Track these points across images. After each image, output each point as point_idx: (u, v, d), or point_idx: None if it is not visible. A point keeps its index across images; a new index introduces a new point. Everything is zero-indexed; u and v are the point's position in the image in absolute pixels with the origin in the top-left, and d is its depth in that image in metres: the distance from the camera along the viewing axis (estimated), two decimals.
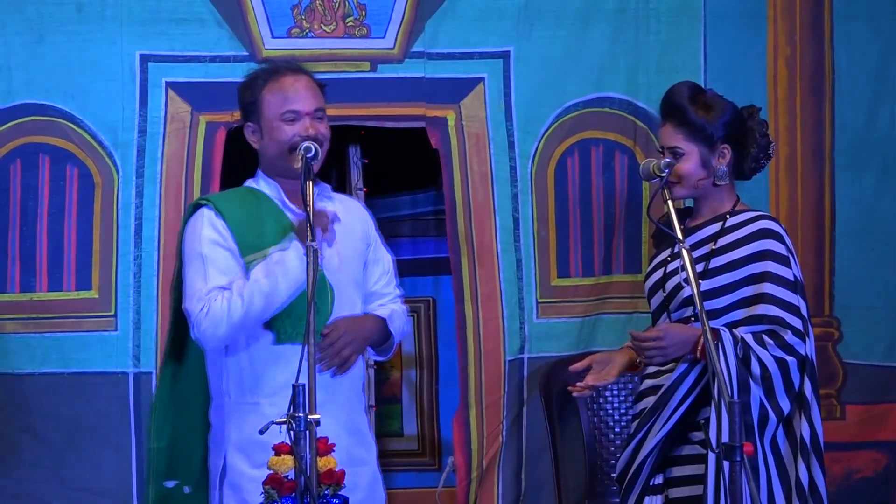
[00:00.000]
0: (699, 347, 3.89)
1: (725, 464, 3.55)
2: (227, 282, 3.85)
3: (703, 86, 5.48)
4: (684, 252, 3.69)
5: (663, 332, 3.97)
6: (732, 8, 5.60)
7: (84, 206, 5.29)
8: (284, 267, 3.80)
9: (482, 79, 5.46)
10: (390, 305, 4.12)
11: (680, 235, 3.78)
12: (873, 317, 5.67)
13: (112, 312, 5.28)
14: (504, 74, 5.47)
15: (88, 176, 5.28)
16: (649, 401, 4.06)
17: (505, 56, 5.47)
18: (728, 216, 4.06)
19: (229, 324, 3.81)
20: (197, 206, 3.99)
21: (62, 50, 5.25)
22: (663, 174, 3.97)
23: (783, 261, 4.00)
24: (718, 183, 4.05)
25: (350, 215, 4.06)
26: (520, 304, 5.50)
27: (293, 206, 3.97)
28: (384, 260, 4.17)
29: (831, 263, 5.68)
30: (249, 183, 4.07)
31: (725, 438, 3.65)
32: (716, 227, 4.07)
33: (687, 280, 3.73)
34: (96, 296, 5.29)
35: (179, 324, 3.99)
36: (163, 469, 4.05)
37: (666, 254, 4.14)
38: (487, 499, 5.46)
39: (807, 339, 3.95)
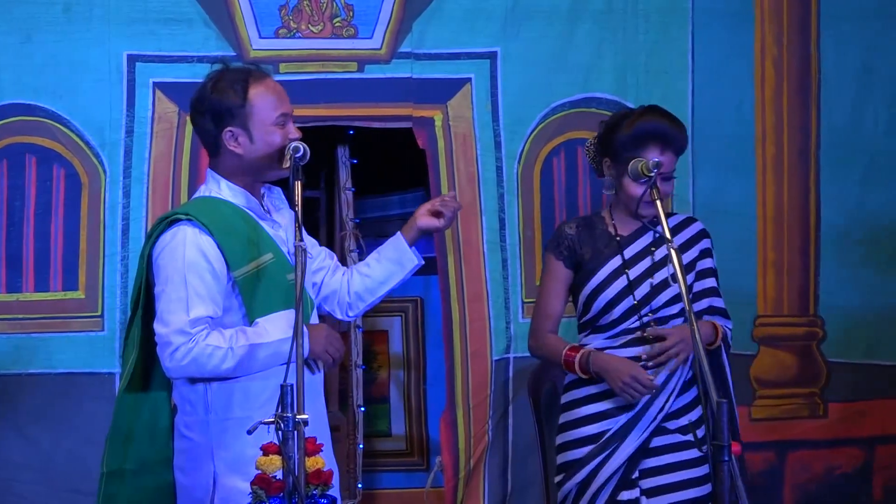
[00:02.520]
0: (720, 337, 4.21)
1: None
2: (208, 312, 3.73)
3: (691, 86, 5.53)
4: (673, 253, 3.73)
5: (673, 332, 4.17)
6: (720, 8, 5.62)
7: (71, 206, 5.27)
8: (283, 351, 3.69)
9: (469, 79, 5.47)
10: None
11: (669, 235, 3.81)
12: (856, 316, 5.69)
13: (99, 313, 5.27)
14: (491, 75, 5.47)
15: (75, 176, 5.27)
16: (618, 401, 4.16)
17: (492, 56, 5.47)
18: (655, 219, 4.18)
19: (213, 373, 3.74)
20: (173, 221, 3.80)
21: (50, 50, 5.24)
22: (651, 174, 4.00)
23: (712, 255, 4.34)
24: None
25: (290, 224, 3.96)
26: (506, 304, 5.50)
27: (266, 216, 3.91)
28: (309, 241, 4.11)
29: (816, 263, 5.70)
30: (209, 193, 3.90)
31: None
32: (651, 234, 4.18)
33: (675, 277, 3.77)
34: (83, 296, 5.27)
35: (147, 349, 3.84)
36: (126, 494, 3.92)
37: (616, 261, 4.23)
38: (474, 498, 5.46)
39: None
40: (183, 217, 3.80)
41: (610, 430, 4.20)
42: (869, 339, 5.72)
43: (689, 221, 4.37)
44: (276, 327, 3.77)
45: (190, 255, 3.75)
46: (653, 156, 4.12)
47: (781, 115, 5.66)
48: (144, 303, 3.85)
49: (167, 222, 3.82)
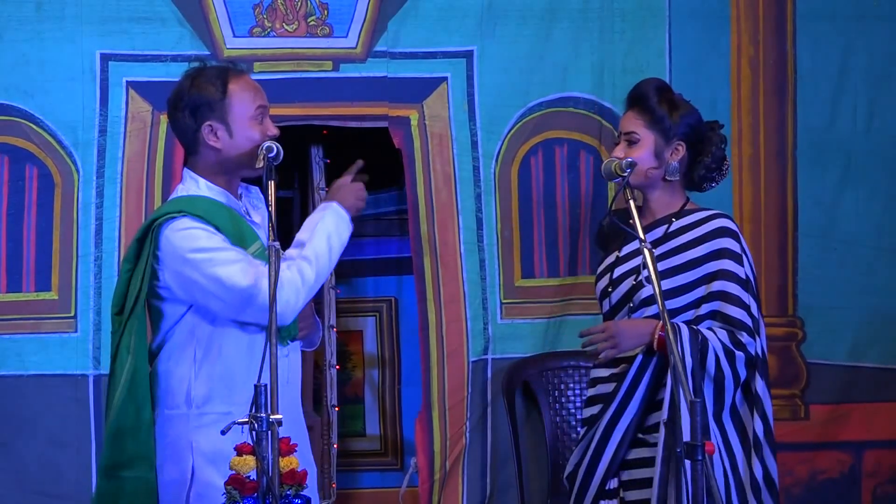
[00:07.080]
0: (656, 338, 3.95)
1: (686, 463, 3.57)
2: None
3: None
4: (646, 251, 3.69)
5: (612, 324, 4.04)
6: (696, 8, 5.61)
7: (44, 206, 5.25)
8: (330, 225, 3.83)
9: (445, 78, 5.46)
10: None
11: (642, 235, 3.78)
12: (836, 316, 5.68)
13: (72, 314, 5.25)
14: (467, 74, 5.46)
15: (48, 176, 5.25)
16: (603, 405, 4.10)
17: (468, 55, 5.46)
18: (674, 218, 4.10)
19: (311, 283, 3.76)
20: (169, 218, 3.78)
21: (22, 49, 5.22)
22: (625, 173, 3.98)
23: (737, 259, 4.07)
24: (669, 178, 4.05)
25: (264, 220, 3.96)
26: (483, 305, 5.48)
27: (246, 216, 3.90)
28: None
29: (794, 263, 5.69)
30: (188, 192, 3.88)
31: (686, 437, 3.68)
32: (662, 229, 4.10)
33: (648, 279, 3.73)
34: (56, 297, 5.25)
35: (144, 355, 3.80)
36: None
37: (612, 258, 4.18)
38: (452, 500, 5.45)
39: (758, 337, 4.03)
40: (177, 214, 3.78)
41: (589, 435, 4.14)
42: (851, 340, 5.70)
43: (710, 218, 4.12)
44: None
45: (210, 231, 3.76)
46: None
47: (758, 114, 5.65)
48: (142, 307, 3.79)
49: (164, 219, 3.78)
